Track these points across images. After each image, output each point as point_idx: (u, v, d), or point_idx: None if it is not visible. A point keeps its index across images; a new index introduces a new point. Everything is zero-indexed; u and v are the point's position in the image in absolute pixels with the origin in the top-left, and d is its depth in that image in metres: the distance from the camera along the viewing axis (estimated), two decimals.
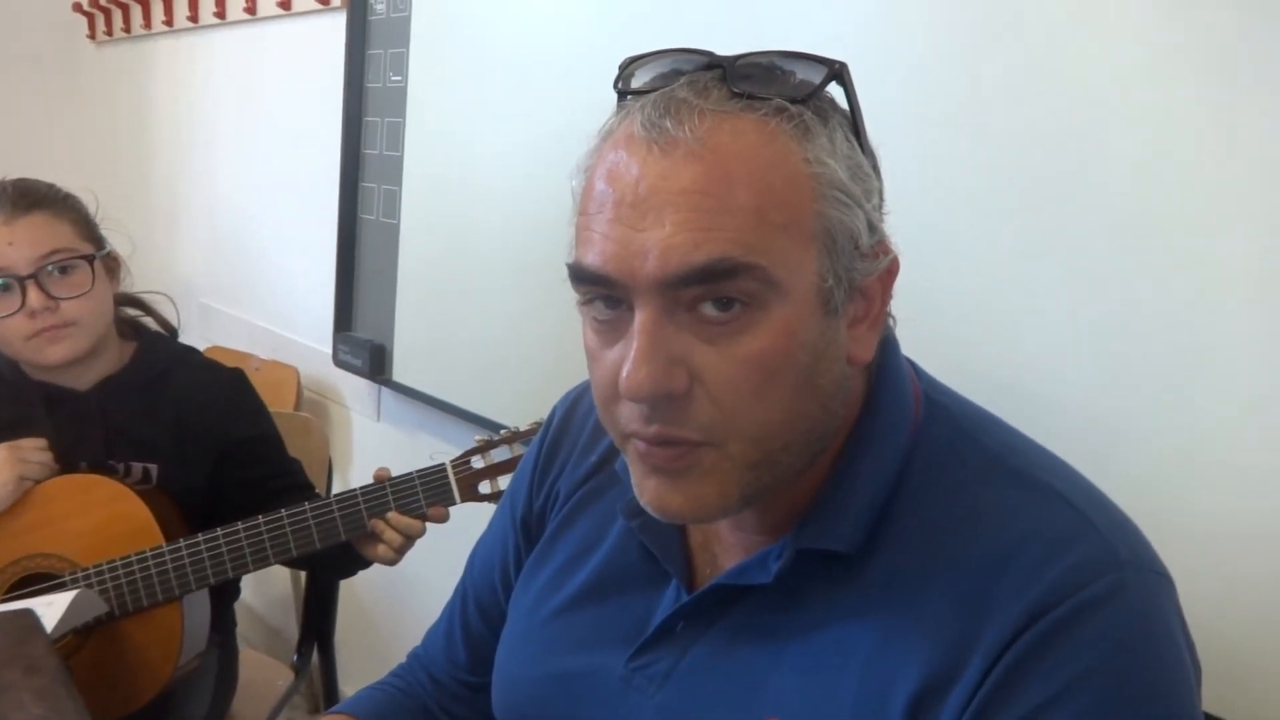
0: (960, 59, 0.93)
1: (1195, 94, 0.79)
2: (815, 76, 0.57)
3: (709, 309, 0.54)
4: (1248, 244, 0.77)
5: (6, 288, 1.17)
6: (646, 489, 0.59)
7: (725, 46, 0.58)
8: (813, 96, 0.56)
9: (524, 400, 1.42)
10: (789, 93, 0.56)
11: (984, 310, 0.93)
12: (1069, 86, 0.86)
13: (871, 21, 1.00)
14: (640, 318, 0.54)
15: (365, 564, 1.24)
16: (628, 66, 0.61)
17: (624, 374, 0.54)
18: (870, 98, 0.60)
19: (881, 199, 0.60)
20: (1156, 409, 0.82)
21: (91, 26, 2.89)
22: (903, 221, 0.61)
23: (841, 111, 0.59)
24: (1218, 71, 0.78)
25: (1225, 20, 0.77)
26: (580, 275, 0.57)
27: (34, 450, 1.18)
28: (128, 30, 2.69)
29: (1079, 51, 0.85)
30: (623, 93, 0.60)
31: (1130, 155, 0.83)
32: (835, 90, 0.59)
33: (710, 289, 0.53)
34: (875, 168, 0.60)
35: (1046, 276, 0.88)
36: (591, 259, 0.55)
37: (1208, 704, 0.57)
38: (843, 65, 0.58)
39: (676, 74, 0.58)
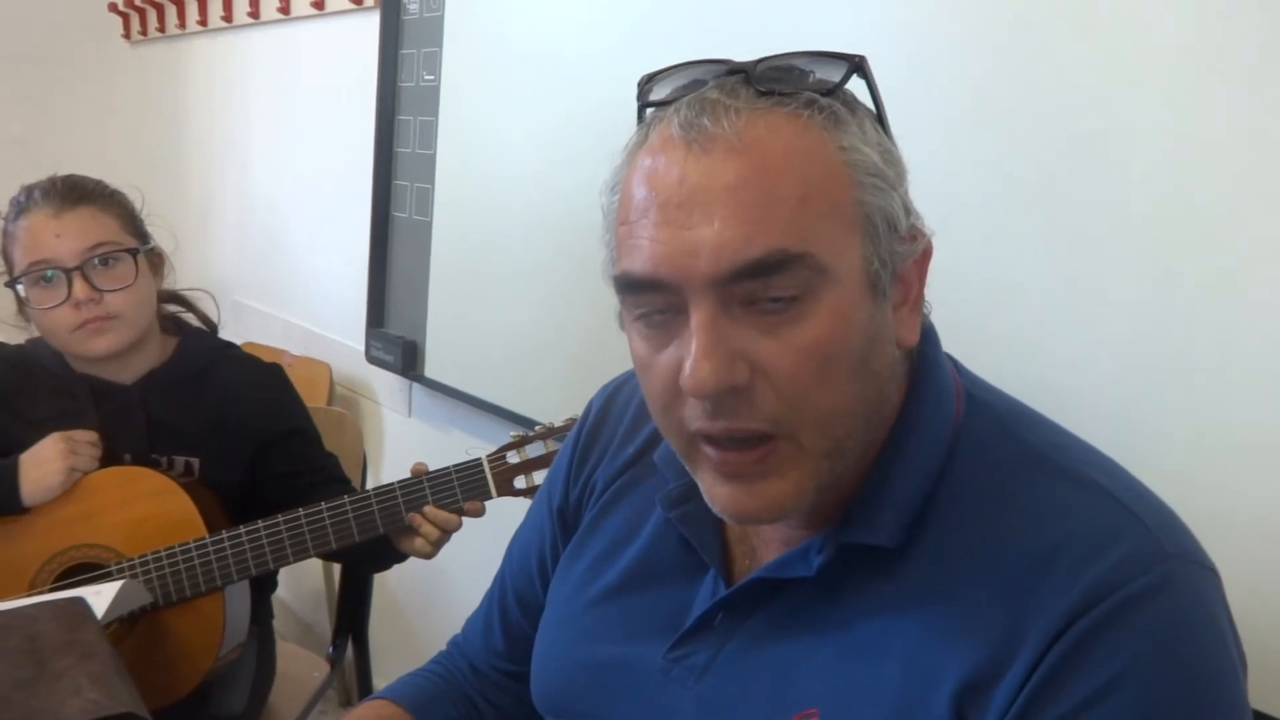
0: (986, 52, 0.93)
1: (1221, 86, 0.79)
2: (836, 73, 0.58)
3: (764, 301, 0.54)
4: (1274, 229, 0.77)
5: (53, 279, 1.19)
6: (719, 496, 0.59)
7: (748, 45, 0.60)
8: (838, 89, 0.58)
9: (555, 396, 1.43)
10: (814, 88, 0.57)
11: (1009, 304, 0.92)
12: (1097, 79, 0.86)
13: (894, 16, 1.00)
14: (697, 315, 0.54)
15: (401, 557, 1.25)
16: (646, 82, 0.61)
17: (686, 371, 0.54)
18: (895, 93, 0.60)
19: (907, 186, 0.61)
20: (1187, 400, 0.82)
21: (126, 27, 2.93)
22: (927, 215, 0.62)
23: (864, 105, 0.60)
24: (1243, 63, 0.77)
25: (1250, 12, 0.77)
26: (630, 284, 0.57)
27: (85, 443, 1.20)
28: (162, 30, 2.73)
29: (1106, 43, 0.85)
30: (644, 106, 0.61)
31: (1154, 148, 0.82)
32: (856, 85, 0.60)
33: (764, 282, 0.54)
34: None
35: (1072, 269, 0.88)
36: (641, 264, 0.56)
37: (1253, 700, 0.56)
38: (862, 58, 0.59)
39: (698, 84, 0.59)
